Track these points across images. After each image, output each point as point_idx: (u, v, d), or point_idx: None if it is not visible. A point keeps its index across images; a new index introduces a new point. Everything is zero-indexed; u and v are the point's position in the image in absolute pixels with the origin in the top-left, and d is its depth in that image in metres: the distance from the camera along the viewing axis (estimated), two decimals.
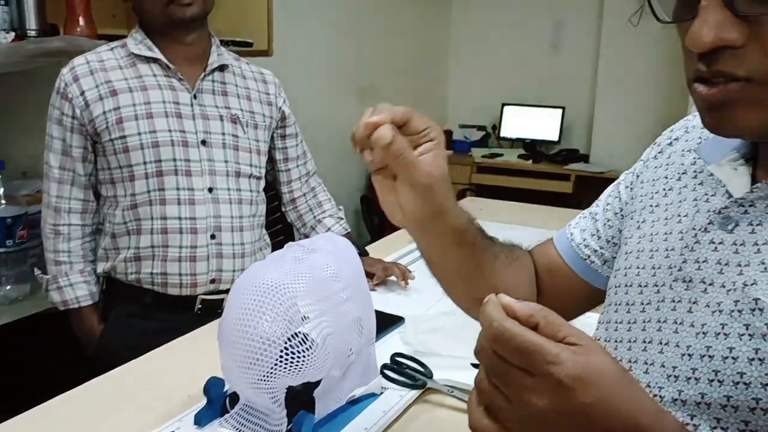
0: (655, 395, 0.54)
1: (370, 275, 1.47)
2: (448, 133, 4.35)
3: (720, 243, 0.54)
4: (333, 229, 1.58)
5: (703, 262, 0.55)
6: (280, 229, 2.06)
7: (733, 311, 0.51)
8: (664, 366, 0.54)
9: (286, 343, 0.74)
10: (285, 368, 0.73)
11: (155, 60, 1.34)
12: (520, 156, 4.14)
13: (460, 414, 0.92)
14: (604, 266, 0.74)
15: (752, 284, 0.50)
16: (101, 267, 1.40)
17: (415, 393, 0.95)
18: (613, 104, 4.05)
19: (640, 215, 0.67)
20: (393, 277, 1.47)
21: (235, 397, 0.82)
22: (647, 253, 0.62)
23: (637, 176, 0.72)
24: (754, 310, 0.49)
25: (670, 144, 0.70)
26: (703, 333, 0.52)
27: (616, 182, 0.77)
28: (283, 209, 1.62)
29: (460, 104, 4.63)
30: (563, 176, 3.98)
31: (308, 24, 2.78)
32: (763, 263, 0.50)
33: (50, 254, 1.38)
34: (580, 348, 0.39)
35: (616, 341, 0.61)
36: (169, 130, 1.32)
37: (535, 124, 4.23)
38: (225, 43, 1.86)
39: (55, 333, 1.46)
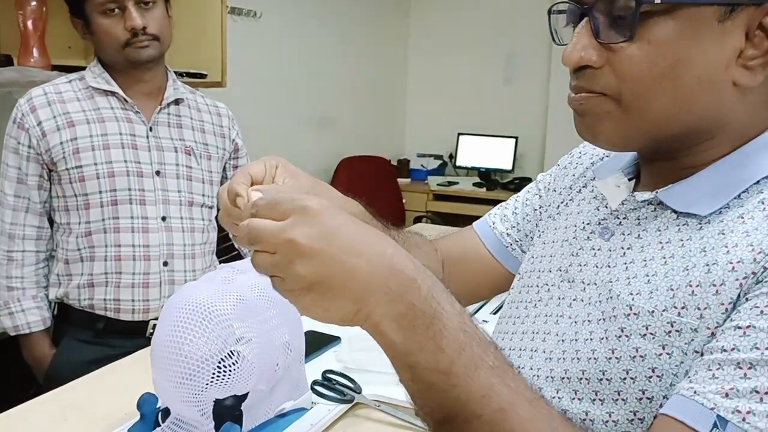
0: (534, 375, 0.62)
1: None
2: (406, 162, 4.46)
3: (599, 249, 0.63)
4: None
5: (584, 265, 0.64)
6: (235, 256, 2.11)
7: (596, 302, 0.60)
8: (544, 352, 0.63)
9: (221, 362, 0.80)
10: (216, 383, 0.79)
11: (113, 93, 1.41)
12: (475, 184, 4.27)
13: (387, 427, 0.98)
14: (523, 255, 0.81)
15: (616, 280, 0.59)
16: (53, 293, 1.43)
17: (343, 407, 1.01)
18: (564, 133, 4.17)
19: (546, 223, 0.75)
20: None
21: (167, 412, 0.87)
22: (547, 258, 0.70)
23: (554, 179, 0.80)
24: (609, 299, 0.58)
25: (580, 157, 0.79)
26: (575, 322, 0.61)
27: (535, 181, 0.85)
28: (232, 237, 1.67)
29: (418, 134, 4.76)
30: None
31: (263, 55, 2.85)
32: (625, 264, 0.59)
33: (3, 280, 1.41)
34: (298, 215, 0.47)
35: (512, 333, 0.69)
36: (125, 161, 1.38)
37: (490, 154, 4.37)
38: (180, 75, 1.93)
39: (6, 359, 1.48)
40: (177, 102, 1.49)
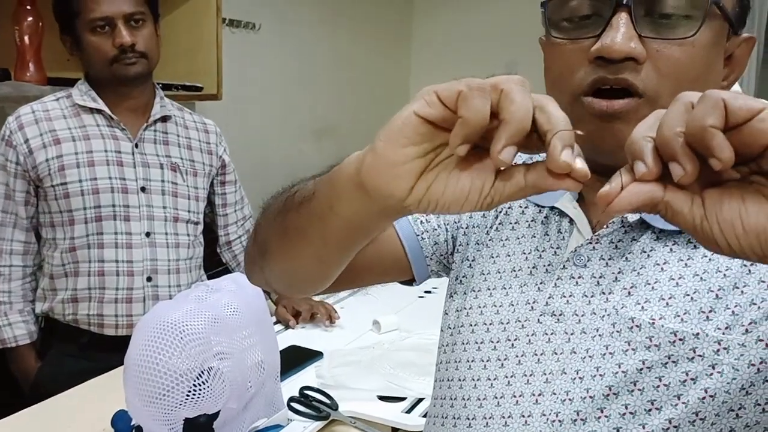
0: (554, 421, 0.57)
1: (296, 314, 1.56)
2: None
3: (579, 278, 0.60)
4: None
5: (570, 296, 0.60)
6: (223, 270, 2.13)
7: (612, 333, 0.57)
8: (555, 393, 0.58)
9: (198, 377, 0.81)
10: (188, 402, 0.80)
11: (99, 111, 1.43)
12: None
13: None
14: (434, 246, 0.73)
15: (622, 308, 0.57)
16: (39, 307, 1.45)
17: (319, 424, 1.02)
18: None
19: (475, 249, 0.69)
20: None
21: (140, 429, 0.88)
22: (500, 290, 0.65)
23: None
24: (632, 328, 0.56)
25: None
26: (589, 356, 0.57)
27: None
28: (219, 251, 1.70)
29: None
30: None
31: (263, 67, 2.87)
32: (625, 289, 0.57)
33: None
34: None
35: (488, 379, 0.62)
36: (110, 178, 1.40)
37: None
38: (175, 87, 1.95)
39: None
40: (164, 119, 1.50)
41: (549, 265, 0.63)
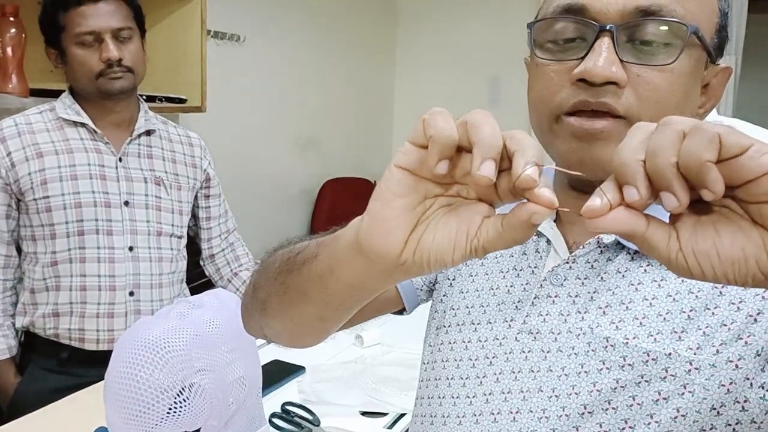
0: None
1: None
2: None
3: (556, 296, 0.61)
4: (248, 281, 1.66)
5: (546, 315, 0.61)
6: (206, 282, 2.12)
7: (588, 351, 0.58)
8: (532, 411, 0.59)
9: (179, 394, 0.81)
10: (169, 420, 0.80)
11: (83, 124, 1.43)
12: None
13: None
14: (421, 287, 0.75)
15: (597, 327, 0.58)
16: (20, 321, 1.44)
17: None
18: None
19: (458, 268, 0.70)
20: None
21: None
22: (477, 308, 0.66)
23: None
24: (606, 347, 0.57)
25: None
26: (565, 375, 0.58)
27: None
28: (202, 264, 1.69)
29: None
30: None
31: (248, 78, 2.88)
32: (600, 308, 0.59)
33: None
34: None
35: (467, 396, 0.63)
36: (93, 192, 1.39)
37: None
38: (159, 99, 1.95)
39: None
40: (148, 133, 1.51)
41: (527, 284, 0.64)
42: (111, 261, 1.40)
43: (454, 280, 0.70)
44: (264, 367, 1.04)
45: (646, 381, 0.55)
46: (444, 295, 0.71)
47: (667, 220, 0.38)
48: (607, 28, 0.54)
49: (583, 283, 0.61)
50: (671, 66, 0.54)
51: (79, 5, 1.35)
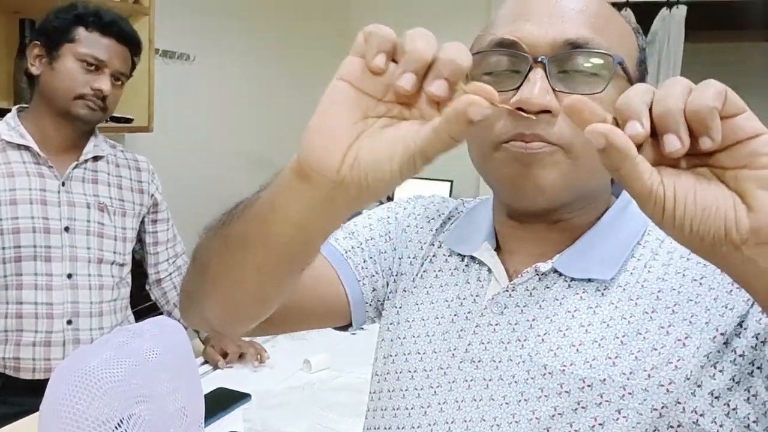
0: None
1: (224, 354, 1.54)
2: None
3: (497, 324, 0.62)
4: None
5: (488, 343, 0.62)
6: (151, 306, 2.08)
7: (527, 379, 0.59)
8: None
9: (118, 425, 0.79)
10: None
11: (26, 147, 1.39)
12: None
13: None
14: (363, 264, 0.74)
15: (536, 354, 0.59)
16: None
17: None
18: None
19: (402, 297, 0.71)
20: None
21: None
22: (423, 338, 0.67)
23: (399, 240, 0.76)
24: (544, 374, 0.58)
25: (443, 224, 0.75)
26: (506, 403, 0.59)
27: (386, 215, 0.81)
28: (148, 288, 1.66)
29: None
30: None
31: (198, 98, 2.85)
32: (539, 336, 0.60)
33: None
34: None
35: (413, 427, 0.64)
36: (32, 217, 1.36)
37: None
38: (105, 119, 1.92)
39: None
40: (96, 158, 1.48)
41: (469, 312, 0.65)
42: (49, 288, 1.36)
43: (401, 308, 0.71)
44: (208, 395, 1.03)
45: (582, 407, 0.56)
46: (391, 323, 0.72)
47: None
48: (540, 59, 0.57)
49: (522, 310, 0.62)
50: (600, 95, 0.57)
51: (102, 36, 1.38)
